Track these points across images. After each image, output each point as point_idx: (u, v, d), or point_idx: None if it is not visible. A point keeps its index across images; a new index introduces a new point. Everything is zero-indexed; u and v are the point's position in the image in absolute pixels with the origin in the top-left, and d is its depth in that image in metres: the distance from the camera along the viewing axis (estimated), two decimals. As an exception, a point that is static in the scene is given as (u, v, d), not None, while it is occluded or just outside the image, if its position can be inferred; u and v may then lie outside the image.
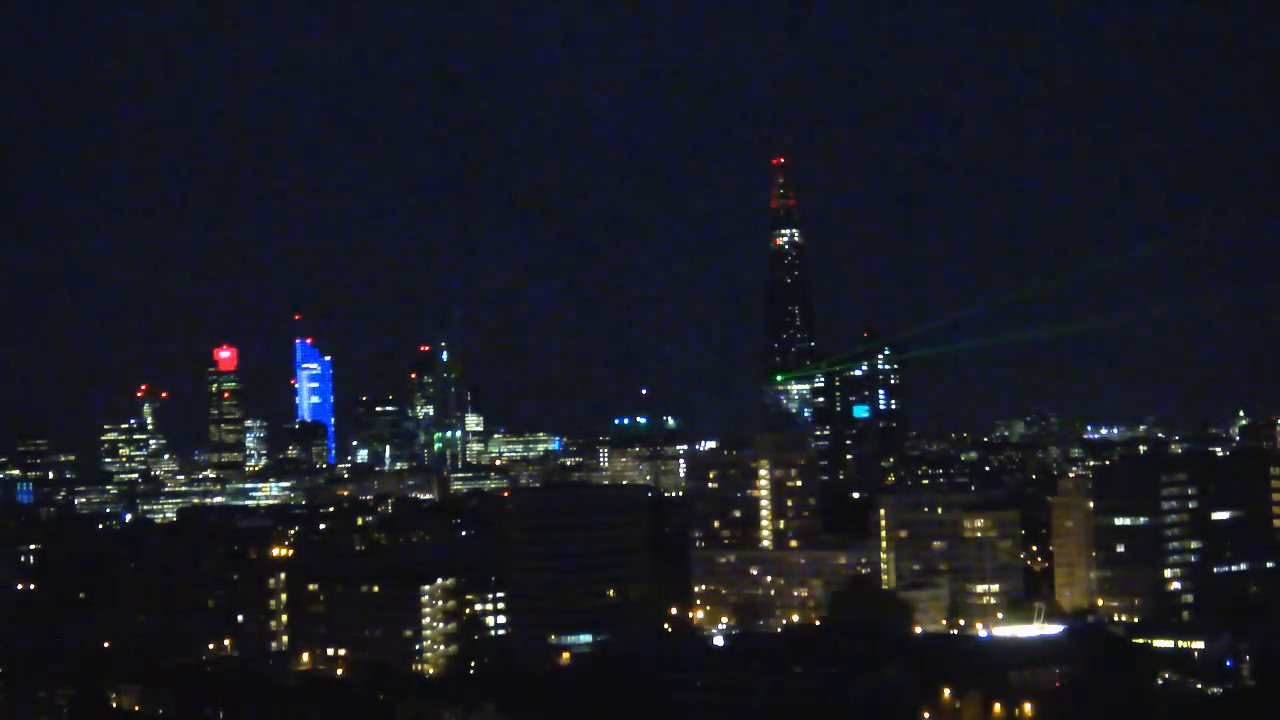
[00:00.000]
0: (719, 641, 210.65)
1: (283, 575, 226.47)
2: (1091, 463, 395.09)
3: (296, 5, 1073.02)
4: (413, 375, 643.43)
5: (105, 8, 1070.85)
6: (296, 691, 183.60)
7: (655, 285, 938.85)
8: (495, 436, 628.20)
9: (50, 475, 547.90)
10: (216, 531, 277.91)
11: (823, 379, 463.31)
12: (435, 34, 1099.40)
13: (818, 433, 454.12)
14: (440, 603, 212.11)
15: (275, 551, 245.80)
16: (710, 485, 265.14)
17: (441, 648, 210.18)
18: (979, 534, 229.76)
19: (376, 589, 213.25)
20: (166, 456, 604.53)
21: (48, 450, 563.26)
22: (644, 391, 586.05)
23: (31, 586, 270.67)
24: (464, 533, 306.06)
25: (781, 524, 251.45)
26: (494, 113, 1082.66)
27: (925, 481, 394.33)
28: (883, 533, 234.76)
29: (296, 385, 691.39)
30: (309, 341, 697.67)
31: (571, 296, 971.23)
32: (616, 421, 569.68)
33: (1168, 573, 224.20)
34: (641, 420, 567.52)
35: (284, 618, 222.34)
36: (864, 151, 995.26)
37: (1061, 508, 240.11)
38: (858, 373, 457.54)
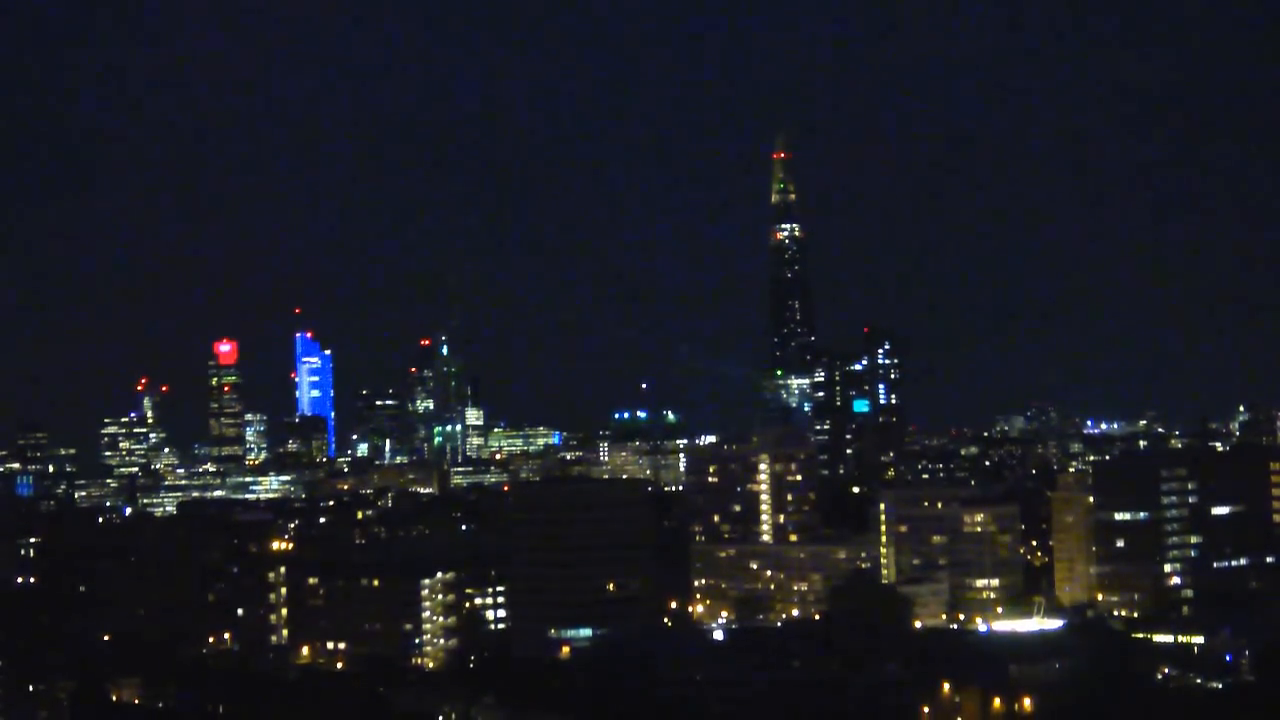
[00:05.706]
0: (719, 636, 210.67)
1: (282, 569, 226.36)
2: (1091, 458, 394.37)
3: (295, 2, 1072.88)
4: (413, 369, 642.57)
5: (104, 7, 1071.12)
6: (296, 685, 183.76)
7: (656, 280, 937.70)
8: (495, 430, 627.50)
9: (50, 468, 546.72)
10: (216, 525, 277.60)
11: (823, 373, 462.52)
12: (435, 33, 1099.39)
13: (818, 427, 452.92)
14: (440, 596, 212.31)
15: (275, 545, 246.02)
16: (710, 479, 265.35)
17: (441, 641, 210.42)
18: (979, 529, 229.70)
19: (376, 583, 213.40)
20: (166, 450, 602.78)
21: (48, 443, 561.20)
22: (644, 386, 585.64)
23: (31, 580, 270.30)
24: (464, 527, 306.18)
25: (781, 518, 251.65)
26: (494, 108, 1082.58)
27: (925, 476, 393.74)
28: (883, 527, 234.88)
29: (296, 379, 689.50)
30: (309, 335, 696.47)
31: (571, 291, 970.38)
32: (617, 416, 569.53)
33: (1167, 568, 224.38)
34: (642, 414, 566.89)
35: (284, 611, 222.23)
36: (865, 146, 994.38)
37: (1061, 502, 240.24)
38: (858, 367, 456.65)
